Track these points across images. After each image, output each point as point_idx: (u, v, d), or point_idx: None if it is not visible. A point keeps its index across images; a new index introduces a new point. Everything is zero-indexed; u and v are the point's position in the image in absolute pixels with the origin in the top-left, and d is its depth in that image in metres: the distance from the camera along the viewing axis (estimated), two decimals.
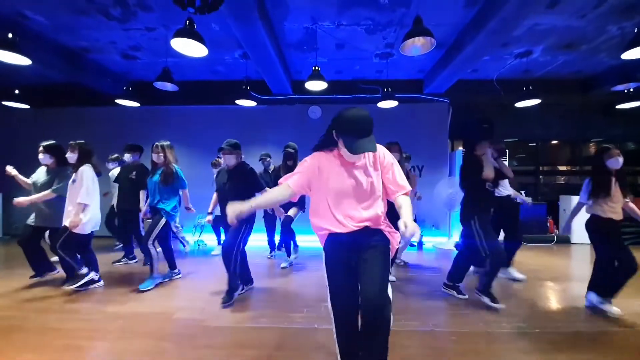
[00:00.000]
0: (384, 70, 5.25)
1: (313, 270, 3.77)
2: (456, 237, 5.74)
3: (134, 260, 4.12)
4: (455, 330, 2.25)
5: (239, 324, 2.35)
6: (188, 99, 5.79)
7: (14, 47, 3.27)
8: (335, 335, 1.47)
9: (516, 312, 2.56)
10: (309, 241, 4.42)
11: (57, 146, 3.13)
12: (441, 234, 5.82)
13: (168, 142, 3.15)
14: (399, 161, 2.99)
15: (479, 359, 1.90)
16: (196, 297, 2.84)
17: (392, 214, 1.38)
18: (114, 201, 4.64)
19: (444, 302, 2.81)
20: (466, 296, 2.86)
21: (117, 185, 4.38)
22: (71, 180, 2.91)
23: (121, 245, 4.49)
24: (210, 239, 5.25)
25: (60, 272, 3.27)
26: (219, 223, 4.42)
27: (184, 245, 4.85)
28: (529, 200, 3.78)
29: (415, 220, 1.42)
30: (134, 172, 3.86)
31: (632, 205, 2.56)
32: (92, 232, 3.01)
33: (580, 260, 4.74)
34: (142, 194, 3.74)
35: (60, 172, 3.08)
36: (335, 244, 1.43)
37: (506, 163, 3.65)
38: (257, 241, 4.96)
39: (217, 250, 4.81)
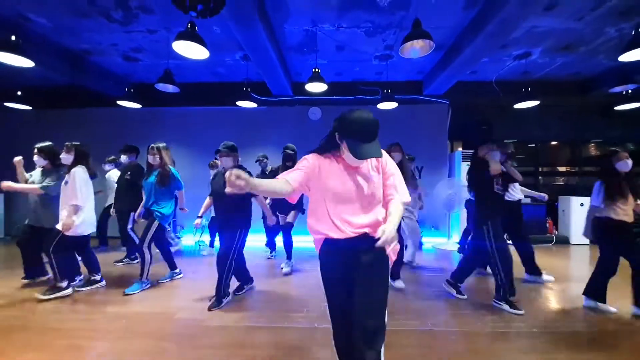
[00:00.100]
0: (384, 72, 5.27)
1: (312, 270, 3.79)
2: (456, 237, 5.76)
3: (136, 261, 4.14)
4: (454, 330, 2.27)
5: (240, 323, 2.37)
6: (189, 100, 5.81)
7: (17, 49, 3.30)
8: (333, 339, 1.44)
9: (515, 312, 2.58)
10: (308, 242, 4.44)
11: (50, 148, 3.13)
12: (441, 235, 5.84)
13: (164, 144, 3.15)
14: (400, 161, 3.05)
15: (477, 358, 1.92)
16: (196, 297, 2.86)
17: None
18: (108, 202, 4.68)
19: (443, 302, 2.83)
20: (464, 296, 2.87)
21: (112, 186, 4.45)
22: (64, 182, 2.88)
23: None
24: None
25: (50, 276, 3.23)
26: (214, 225, 4.45)
27: (171, 245, 4.84)
28: (544, 194, 3.78)
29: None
30: (129, 172, 3.88)
31: None
32: (88, 234, 2.98)
33: (579, 260, 4.76)
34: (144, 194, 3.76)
35: (53, 172, 3.08)
36: (330, 252, 1.38)
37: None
38: (255, 242, 5.01)
39: (207, 250, 4.83)
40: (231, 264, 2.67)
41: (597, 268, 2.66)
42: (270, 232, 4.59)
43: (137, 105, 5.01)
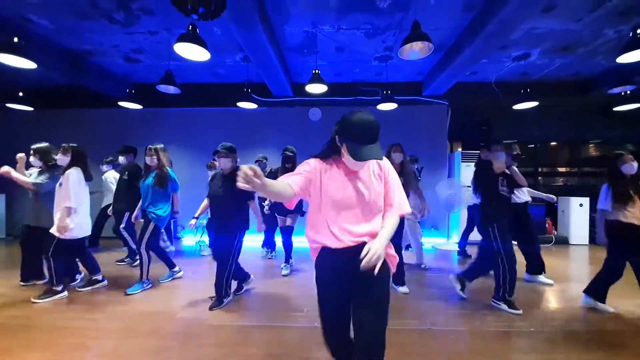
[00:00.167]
0: (384, 73, 5.30)
1: (311, 271, 3.78)
2: (455, 238, 5.78)
3: (136, 263, 4.16)
4: (452, 329, 2.30)
5: (241, 322, 2.40)
6: (190, 101, 5.84)
7: (20, 51, 3.33)
8: (325, 343, 1.41)
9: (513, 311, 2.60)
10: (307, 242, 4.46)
11: (44, 149, 3.14)
12: (440, 235, 5.86)
13: (162, 145, 3.14)
14: (402, 162, 3.06)
15: (476, 357, 1.94)
16: (197, 297, 2.88)
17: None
18: (104, 203, 4.69)
19: (443, 302, 2.86)
20: (465, 296, 2.90)
21: (109, 187, 4.51)
22: (58, 183, 2.84)
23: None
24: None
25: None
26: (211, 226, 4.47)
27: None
28: (553, 196, 3.75)
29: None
30: (126, 172, 3.88)
31: None
32: (83, 237, 2.96)
33: (578, 260, 4.79)
34: None
35: (48, 171, 3.08)
36: (327, 261, 1.32)
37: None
38: (254, 242, 5.03)
39: (207, 251, 4.85)
40: (232, 265, 2.70)
41: (604, 270, 2.65)
42: (268, 232, 4.63)
43: (138, 106, 5.04)
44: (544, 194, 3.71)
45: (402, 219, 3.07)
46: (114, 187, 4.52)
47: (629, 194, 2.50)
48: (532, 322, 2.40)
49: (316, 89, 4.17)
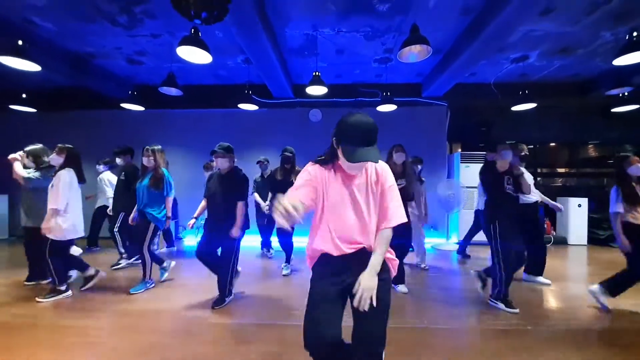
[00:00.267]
0: (383, 74, 5.34)
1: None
2: (455, 238, 5.83)
3: (139, 261, 4.20)
4: (449, 328, 2.34)
5: (243, 321, 2.44)
6: (191, 102, 5.89)
7: (24, 54, 3.39)
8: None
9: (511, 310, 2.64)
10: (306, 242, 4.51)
11: (35, 151, 3.18)
12: (440, 235, 5.90)
13: (159, 146, 3.14)
14: (404, 162, 3.09)
15: (472, 355, 1.98)
16: (199, 296, 2.92)
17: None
18: (97, 204, 4.74)
19: (440, 301, 2.90)
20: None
21: (103, 189, 4.57)
22: (50, 184, 2.83)
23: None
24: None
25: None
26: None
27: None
28: (560, 205, 3.62)
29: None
30: (123, 173, 3.89)
31: None
32: (72, 239, 2.94)
33: (576, 261, 4.82)
34: None
35: (44, 170, 3.12)
36: (326, 268, 1.30)
37: (527, 176, 3.43)
38: (252, 242, 5.08)
39: None
40: (234, 265, 2.75)
41: (625, 272, 2.63)
42: (264, 232, 4.72)
43: (140, 108, 5.09)
44: (552, 202, 3.66)
45: (408, 219, 3.13)
46: (107, 189, 4.60)
47: (636, 195, 2.52)
48: (529, 321, 2.44)
49: (316, 90, 4.21)
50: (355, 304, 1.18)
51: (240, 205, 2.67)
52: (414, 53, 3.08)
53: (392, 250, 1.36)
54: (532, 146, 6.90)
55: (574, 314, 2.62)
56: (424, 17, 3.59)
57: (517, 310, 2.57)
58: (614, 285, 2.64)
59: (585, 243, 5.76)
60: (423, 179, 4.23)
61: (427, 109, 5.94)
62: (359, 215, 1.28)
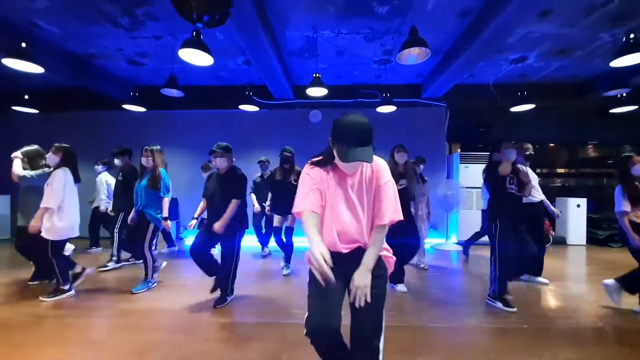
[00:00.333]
0: (383, 76, 5.38)
1: None
2: (454, 238, 5.86)
3: (141, 261, 4.23)
4: (447, 326, 2.37)
5: (245, 319, 2.48)
6: (192, 103, 5.93)
7: (28, 56, 3.43)
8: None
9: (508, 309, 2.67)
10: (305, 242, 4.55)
11: (29, 152, 3.21)
12: (439, 235, 5.93)
13: (158, 147, 3.15)
14: (405, 162, 3.12)
15: (469, 352, 2.02)
16: (201, 295, 2.94)
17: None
18: (94, 205, 4.77)
19: (440, 300, 2.93)
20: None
21: (98, 189, 4.63)
22: (46, 183, 2.82)
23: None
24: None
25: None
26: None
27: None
28: (557, 211, 3.60)
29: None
30: (121, 174, 3.90)
31: None
32: (67, 238, 2.93)
33: (574, 261, 4.85)
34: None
35: (40, 169, 3.13)
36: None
37: (530, 173, 3.46)
38: (253, 243, 5.13)
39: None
40: (236, 264, 2.78)
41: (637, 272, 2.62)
42: (259, 231, 4.81)
43: (142, 109, 5.13)
44: (551, 207, 3.65)
45: (411, 217, 3.15)
46: (101, 189, 4.66)
47: (638, 194, 2.53)
48: (526, 320, 2.47)
49: (317, 92, 4.25)
50: (350, 300, 1.22)
51: (233, 202, 2.65)
52: (413, 55, 3.12)
53: (388, 248, 1.39)
54: (531, 146, 6.93)
55: (571, 313, 2.65)
56: (422, 20, 3.63)
57: (514, 309, 2.60)
58: (630, 283, 2.63)
59: (584, 243, 5.79)
60: (426, 178, 4.26)
61: (426, 110, 5.98)
62: (354, 214, 1.30)
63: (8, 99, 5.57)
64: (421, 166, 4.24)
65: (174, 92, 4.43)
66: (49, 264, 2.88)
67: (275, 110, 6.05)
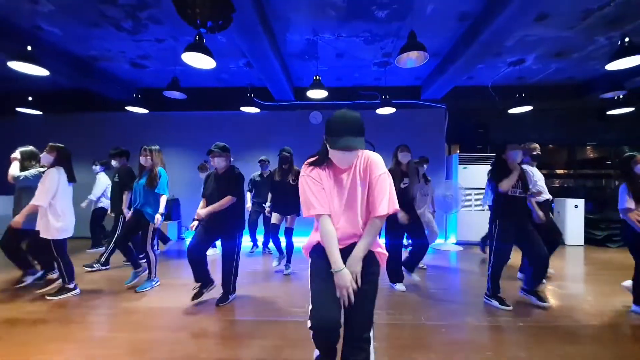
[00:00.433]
0: (382, 78, 5.43)
1: None
2: (453, 238, 5.91)
3: (143, 260, 4.28)
4: (445, 324, 2.43)
5: (246, 317, 2.54)
6: (194, 105, 5.99)
7: (33, 59, 3.48)
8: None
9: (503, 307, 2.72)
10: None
11: (24, 153, 3.26)
12: (438, 236, 5.97)
13: (157, 147, 3.19)
14: (408, 162, 3.17)
15: (466, 349, 2.07)
16: (206, 294, 2.97)
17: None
18: (98, 205, 4.83)
19: (438, 298, 2.98)
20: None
21: (99, 188, 4.71)
22: (40, 182, 2.81)
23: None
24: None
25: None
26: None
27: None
28: (541, 216, 3.38)
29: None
30: (117, 175, 3.93)
31: None
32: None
33: (572, 261, 4.90)
34: (125, 196, 3.72)
35: (35, 170, 3.17)
36: (320, 255, 1.38)
37: (536, 175, 3.48)
38: (250, 242, 5.20)
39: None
40: (237, 263, 2.83)
41: (637, 275, 2.63)
42: (252, 229, 4.92)
43: (144, 110, 5.19)
44: (536, 210, 3.71)
45: (417, 219, 3.20)
46: (95, 189, 4.76)
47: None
48: (520, 318, 2.52)
49: (317, 94, 4.31)
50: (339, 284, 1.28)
51: (228, 197, 2.67)
52: (412, 59, 3.18)
53: (381, 244, 1.44)
54: (520, 145, 6.99)
55: (567, 311, 2.69)
56: (421, 23, 3.69)
57: (510, 307, 2.65)
58: None
59: (582, 244, 5.84)
60: (429, 178, 4.31)
61: (426, 111, 6.03)
62: (351, 210, 1.36)
63: (12, 100, 5.64)
64: (425, 166, 4.29)
65: (176, 95, 4.49)
66: (47, 261, 2.93)
67: (276, 111, 6.11)
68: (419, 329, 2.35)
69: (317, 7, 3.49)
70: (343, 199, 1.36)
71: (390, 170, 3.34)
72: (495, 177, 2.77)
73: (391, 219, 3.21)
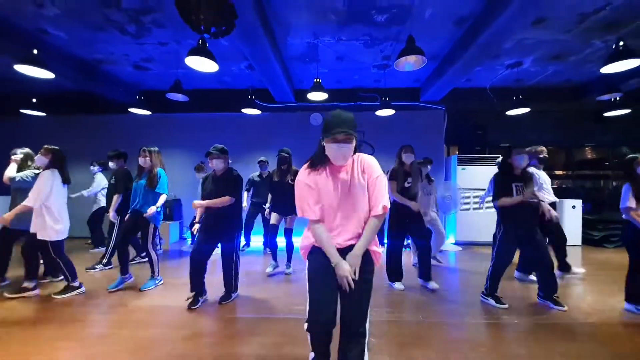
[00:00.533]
0: (382, 80, 5.50)
1: None
2: (452, 239, 5.96)
3: (145, 260, 4.35)
4: (443, 321, 2.49)
5: (248, 315, 2.60)
6: (196, 107, 6.06)
7: (39, 62, 3.55)
8: (309, 343, 1.50)
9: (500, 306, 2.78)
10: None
11: (26, 154, 3.32)
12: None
13: (156, 148, 3.25)
14: (412, 163, 3.23)
15: (463, 346, 2.13)
16: (208, 292, 3.01)
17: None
18: (98, 206, 4.90)
19: (436, 297, 3.04)
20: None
21: (96, 191, 4.79)
22: (34, 184, 2.83)
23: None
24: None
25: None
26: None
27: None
28: (555, 214, 3.42)
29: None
30: (114, 177, 3.97)
31: None
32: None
33: (570, 261, 4.91)
34: (115, 198, 3.77)
35: (31, 171, 3.19)
36: (318, 257, 1.44)
37: (542, 178, 3.51)
38: (255, 243, 5.31)
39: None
40: (237, 262, 2.90)
41: (630, 275, 2.67)
42: (248, 228, 5.01)
43: (147, 112, 5.26)
44: (550, 211, 3.70)
45: (420, 219, 3.27)
46: (96, 188, 4.84)
47: None
48: (516, 316, 2.58)
49: (317, 96, 4.37)
50: (340, 282, 1.37)
51: (227, 197, 2.72)
52: (410, 63, 3.24)
53: (377, 243, 1.51)
54: (527, 149, 7.04)
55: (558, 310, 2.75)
56: (420, 27, 3.75)
57: (506, 306, 2.71)
58: (636, 295, 2.66)
59: (580, 244, 5.89)
60: (433, 178, 4.37)
61: (425, 113, 6.09)
62: (350, 210, 1.43)
63: (16, 102, 5.71)
64: (428, 167, 4.36)
65: (179, 97, 4.56)
66: (34, 263, 2.95)
67: (277, 113, 6.18)
68: (417, 326, 2.40)
69: (318, 12, 3.55)
70: (344, 198, 1.42)
71: (393, 170, 3.41)
72: (495, 192, 2.79)
73: (393, 220, 3.29)
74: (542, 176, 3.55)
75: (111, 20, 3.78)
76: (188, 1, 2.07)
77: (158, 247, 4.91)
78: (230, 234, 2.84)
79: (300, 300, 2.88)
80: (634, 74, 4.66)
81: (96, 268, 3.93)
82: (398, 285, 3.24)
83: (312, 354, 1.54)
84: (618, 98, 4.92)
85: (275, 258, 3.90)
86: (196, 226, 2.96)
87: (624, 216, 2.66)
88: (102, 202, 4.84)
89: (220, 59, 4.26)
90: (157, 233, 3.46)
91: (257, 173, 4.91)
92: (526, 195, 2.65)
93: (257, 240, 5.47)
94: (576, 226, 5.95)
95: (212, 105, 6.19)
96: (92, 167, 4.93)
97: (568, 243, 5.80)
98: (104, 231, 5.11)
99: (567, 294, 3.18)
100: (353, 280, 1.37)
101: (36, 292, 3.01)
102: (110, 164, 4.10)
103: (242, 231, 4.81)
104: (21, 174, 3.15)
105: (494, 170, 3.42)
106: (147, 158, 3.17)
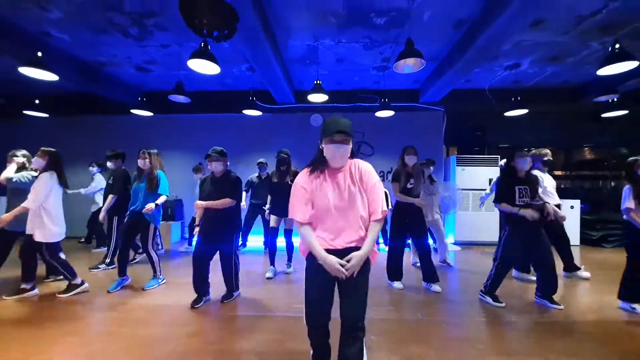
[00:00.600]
0: (382, 81, 5.55)
1: None
2: (451, 239, 6.00)
3: (144, 254, 4.34)
4: (441, 320, 2.53)
5: (249, 313, 2.65)
6: (198, 108, 6.10)
7: (43, 64, 3.60)
8: (308, 335, 1.56)
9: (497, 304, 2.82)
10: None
11: (25, 157, 3.33)
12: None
13: (155, 150, 3.28)
14: (414, 164, 3.27)
15: (460, 343, 2.17)
16: (210, 292, 3.08)
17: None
18: (97, 207, 4.92)
19: (435, 296, 3.08)
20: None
21: (95, 191, 4.84)
22: (33, 185, 2.86)
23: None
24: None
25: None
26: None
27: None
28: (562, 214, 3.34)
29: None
30: (111, 177, 3.99)
31: None
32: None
33: None
34: (109, 198, 3.79)
35: (27, 172, 3.20)
36: (316, 261, 1.47)
37: (545, 181, 3.51)
38: (255, 242, 5.35)
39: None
40: (236, 262, 2.96)
41: (627, 274, 2.70)
42: (247, 227, 5.05)
43: (149, 113, 5.32)
44: (557, 211, 3.71)
45: (422, 219, 3.32)
46: (94, 188, 4.89)
47: None
48: (515, 314, 2.62)
49: (317, 98, 4.42)
50: (342, 278, 1.43)
51: (228, 199, 2.76)
52: (409, 65, 3.29)
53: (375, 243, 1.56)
54: (526, 149, 7.08)
55: (562, 309, 2.78)
56: (418, 30, 3.80)
57: (503, 304, 2.75)
58: (631, 293, 2.68)
59: (578, 244, 5.92)
60: (435, 179, 4.41)
61: (424, 114, 6.14)
62: (347, 213, 1.48)
63: (19, 103, 5.76)
64: (431, 168, 4.41)
65: (181, 99, 4.61)
66: (56, 265, 2.98)
67: (278, 114, 6.23)
68: (416, 324, 2.45)
69: (318, 15, 3.60)
70: (341, 201, 1.48)
71: (396, 171, 3.44)
72: (498, 194, 2.82)
73: (395, 220, 3.33)
74: (546, 179, 3.58)
75: (114, 23, 3.83)
76: (192, 6, 2.12)
77: (160, 247, 4.97)
78: (230, 235, 2.89)
79: (301, 298, 2.89)
80: (631, 76, 4.70)
81: (99, 267, 3.97)
82: (397, 285, 3.28)
83: (312, 351, 1.60)
84: (615, 99, 4.96)
85: (273, 262, 3.83)
86: (197, 229, 2.97)
87: (624, 217, 2.71)
88: (101, 203, 4.88)
89: (221, 61, 4.30)
90: (158, 233, 3.49)
91: (256, 174, 4.97)
92: (528, 215, 2.65)
93: (257, 241, 5.52)
94: (574, 226, 5.98)
95: (213, 107, 6.24)
96: (90, 168, 4.99)
97: None
98: (104, 231, 5.19)
99: (565, 293, 3.22)
100: (351, 275, 1.42)
101: (35, 292, 3.04)
102: (108, 164, 4.12)
103: (242, 229, 4.97)
104: (18, 175, 3.15)
105: (493, 170, 3.47)
106: (147, 160, 3.20)
